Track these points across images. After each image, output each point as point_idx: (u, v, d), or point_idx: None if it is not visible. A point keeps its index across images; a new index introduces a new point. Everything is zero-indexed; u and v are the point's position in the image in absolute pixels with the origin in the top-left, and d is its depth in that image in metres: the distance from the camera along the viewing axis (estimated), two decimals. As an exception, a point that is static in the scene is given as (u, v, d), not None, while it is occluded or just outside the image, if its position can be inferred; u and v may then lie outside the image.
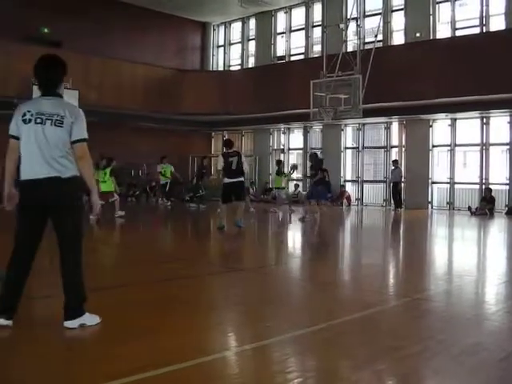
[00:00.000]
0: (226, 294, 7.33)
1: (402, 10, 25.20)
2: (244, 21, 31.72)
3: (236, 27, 32.65)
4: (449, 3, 23.90)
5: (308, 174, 20.52)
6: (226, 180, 14.66)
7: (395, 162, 24.33)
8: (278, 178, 22.43)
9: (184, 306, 6.40)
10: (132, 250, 11.45)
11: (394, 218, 21.88)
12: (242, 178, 14.78)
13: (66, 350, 4.81)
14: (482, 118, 23.31)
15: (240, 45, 32.29)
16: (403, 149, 25.59)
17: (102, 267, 9.05)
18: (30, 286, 5.50)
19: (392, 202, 24.61)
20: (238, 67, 32.12)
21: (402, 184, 24.47)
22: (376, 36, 23.02)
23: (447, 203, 24.30)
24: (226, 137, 32.73)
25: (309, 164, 20.28)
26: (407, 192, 24.92)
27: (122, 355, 4.57)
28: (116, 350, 4.73)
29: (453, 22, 23.74)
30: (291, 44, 29.88)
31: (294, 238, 15.40)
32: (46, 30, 25.85)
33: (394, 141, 26.30)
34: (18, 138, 5.33)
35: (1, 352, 4.74)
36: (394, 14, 25.60)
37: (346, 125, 27.35)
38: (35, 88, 21.96)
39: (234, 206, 15.10)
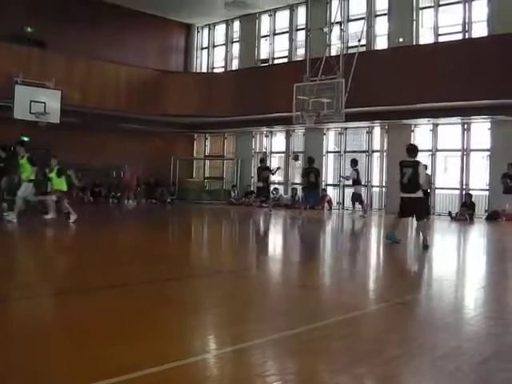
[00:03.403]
0: (207, 297, 7.31)
1: (385, 15, 25.30)
2: (228, 23, 31.71)
3: (220, 29, 32.63)
4: (432, 9, 24.03)
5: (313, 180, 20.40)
6: (402, 194, 12.91)
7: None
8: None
9: (167, 308, 6.40)
10: (116, 252, 11.41)
11: (373, 223, 21.92)
12: (419, 194, 12.76)
13: (48, 351, 4.78)
14: (463, 124, 23.45)
15: (224, 47, 32.28)
16: (385, 153, 25.66)
17: (85, 268, 8.99)
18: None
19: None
20: (222, 69, 32.11)
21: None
22: (359, 40, 23.10)
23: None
24: (209, 139, 32.78)
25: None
26: (387, 196, 24.99)
27: (104, 356, 4.56)
28: (99, 351, 4.71)
29: (436, 27, 23.86)
30: (275, 47, 29.91)
31: (277, 241, 15.41)
32: (30, 30, 25.70)
33: (376, 145, 26.37)
34: None
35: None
36: (377, 18, 25.71)
37: (328, 129, 27.43)
38: (18, 87, 22.23)
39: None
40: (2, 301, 6.61)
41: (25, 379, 4.09)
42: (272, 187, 28.94)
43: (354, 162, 22.71)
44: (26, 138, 25.29)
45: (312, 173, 20.17)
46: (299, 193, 27.83)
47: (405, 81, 21.48)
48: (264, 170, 22.75)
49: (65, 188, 17.70)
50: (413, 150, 12.79)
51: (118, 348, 4.82)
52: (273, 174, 23.34)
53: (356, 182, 22.69)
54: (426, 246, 12.03)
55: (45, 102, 23.13)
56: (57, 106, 23.46)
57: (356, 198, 22.86)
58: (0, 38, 23.21)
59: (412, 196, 12.42)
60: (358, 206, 22.71)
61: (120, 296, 6.96)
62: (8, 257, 10.16)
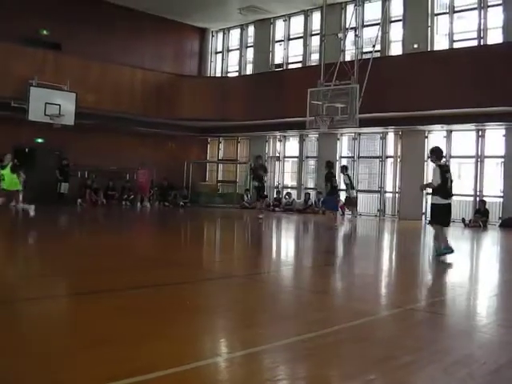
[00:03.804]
0: (219, 300, 7.32)
1: (400, 21, 25.26)
2: (243, 28, 31.77)
3: (235, 34, 32.70)
4: (447, 15, 23.99)
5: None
6: (447, 200, 11.89)
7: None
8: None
9: (178, 312, 6.41)
10: (128, 255, 11.43)
11: (387, 229, 21.88)
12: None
13: (58, 354, 4.80)
14: (477, 131, 23.36)
15: (238, 51, 32.32)
16: (398, 159, 25.61)
17: (94, 271, 9.01)
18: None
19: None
20: (236, 74, 32.16)
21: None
22: (374, 46, 23.13)
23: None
24: (222, 143, 32.81)
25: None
26: (401, 203, 24.96)
27: (114, 359, 4.56)
28: (108, 354, 4.72)
29: (451, 34, 23.81)
30: (289, 52, 29.94)
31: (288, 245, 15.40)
32: (45, 32, 25.83)
33: (390, 151, 26.32)
34: None
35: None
36: (392, 24, 25.68)
37: (341, 134, 27.40)
38: (33, 89, 22.34)
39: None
40: (21, 301, 6.66)
41: (43, 378, 4.11)
42: (285, 192, 29.05)
43: (345, 168, 22.50)
44: (40, 140, 25.53)
45: (334, 177, 19.88)
46: (312, 198, 27.84)
47: (419, 87, 21.43)
48: (259, 169, 22.35)
49: (18, 186, 17.60)
50: (442, 152, 12.39)
51: (131, 349, 4.84)
52: (266, 173, 23.13)
53: (349, 187, 22.59)
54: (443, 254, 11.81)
55: (60, 104, 23.27)
56: (71, 108, 23.60)
57: (349, 202, 22.86)
58: (15, 40, 23.36)
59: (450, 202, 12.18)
60: (347, 210, 22.75)
61: (134, 298, 6.97)
62: (28, 259, 10.22)
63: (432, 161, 12.16)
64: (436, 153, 11.93)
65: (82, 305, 6.62)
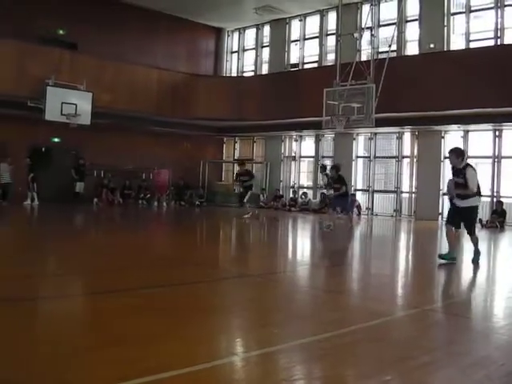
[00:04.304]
0: (236, 300, 7.32)
1: (416, 20, 25.18)
2: (258, 27, 31.77)
3: (250, 33, 32.70)
4: (463, 15, 23.88)
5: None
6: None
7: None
8: None
9: (193, 311, 6.42)
10: (144, 254, 11.46)
11: (403, 229, 21.81)
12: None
13: (71, 353, 4.81)
14: (494, 131, 23.23)
15: (254, 51, 32.32)
16: (415, 159, 25.52)
17: (109, 270, 9.03)
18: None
19: None
20: (252, 73, 32.16)
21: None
22: (390, 46, 23.04)
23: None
24: (238, 143, 32.86)
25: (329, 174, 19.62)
26: (418, 203, 24.87)
27: (130, 358, 4.56)
28: (124, 353, 4.72)
29: (467, 33, 23.69)
30: (305, 52, 29.90)
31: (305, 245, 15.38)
32: (61, 32, 25.95)
33: (406, 151, 26.22)
34: None
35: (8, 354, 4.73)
36: (408, 24, 25.59)
37: (357, 134, 27.33)
38: (49, 89, 22.47)
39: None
40: (35, 300, 6.69)
41: (55, 378, 4.12)
42: (300, 191, 29.03)
43: (323, 168, 22.27)
44: (56, 140, 25.67)
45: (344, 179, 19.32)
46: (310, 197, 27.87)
47: (435, 87, 21.34)
48: (243, 175, 22.02)
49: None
50: None
51: (145, 348, 4.84)
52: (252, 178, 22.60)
53: (328, 187, 22.32)
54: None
55: (76, 104, 23.38)
56: (88, 107, 23.71)
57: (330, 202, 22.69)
58: (32, 40, 23.48)
59: None
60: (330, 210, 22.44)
61: (150, 298, 6.97)
62: (44, 258, 10.25)
63: (459, 161, 10.89)
64: (463, 154, 11.18)
65: (96, 304, 6.63)
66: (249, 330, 5.89)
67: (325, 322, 6.13)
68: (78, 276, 8.59)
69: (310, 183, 29.68)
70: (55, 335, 5.27)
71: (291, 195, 29.64)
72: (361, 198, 27.44)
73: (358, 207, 26.63)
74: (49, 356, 4.61)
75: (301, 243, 15.79)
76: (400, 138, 26.35)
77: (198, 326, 5.73)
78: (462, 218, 10.88)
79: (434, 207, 24.32)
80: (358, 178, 27.75)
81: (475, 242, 11.07)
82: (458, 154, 10.91)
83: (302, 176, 30.62)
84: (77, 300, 7.04)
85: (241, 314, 6.51)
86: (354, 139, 27.57)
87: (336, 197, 18.70)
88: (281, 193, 29.56)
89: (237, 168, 24.31)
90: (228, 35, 33.38)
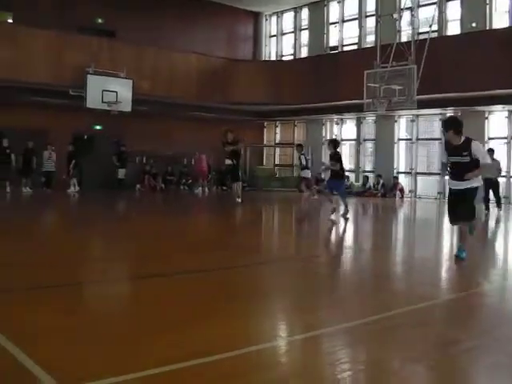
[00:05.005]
0: (277, 283, 7.30)
1: (457, -1, 24.78)
2: (296, 10, 31.56)
3: (288, 17, 32.50)
4: (507, -8, 23.42)
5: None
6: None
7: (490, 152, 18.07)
8: None
9: (237, 294, 6.43)
10: (184, 239, 11.51)
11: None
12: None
13: (118, 333, 4.85)
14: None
15: (292, 35, 32.13)
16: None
17: (153, 255, 9.09)
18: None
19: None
20: (291, 57, 31.98)
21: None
22: (431, 26, 22.75)
23: (504, 197, 23.70)
24: (279, 127, 32.81)
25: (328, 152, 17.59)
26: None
27: (173, 341, 4.60)
28: (168, 336, 4.77)
29: (510, 11, 23.22)
30: (344, 34, 29.63)
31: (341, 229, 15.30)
32: (99, 21, 26.14)
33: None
34: None
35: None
36: (449, 3, 25.15)
37: (399, 116, 27.07)
38: (90, 77, 22.68)
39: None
40: (81, 284, 6.77)
41: (108, 362, 4.16)
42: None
43: (301, 147, 21.95)
44: (98, 127, 25.92)
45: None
46: (370, 181, 27.63)
47: (478, 66, 20.96)
48: (229, 144, 19.89)
49: None
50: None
51: (190, 332, 4.87)
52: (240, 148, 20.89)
53: (304, 167, 21.74)
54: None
55: (116, 91, 23.55)
56: (128, 94, 23.89)
57: (305, 181, 22.31)
58: (71, 29, 23.74)
59: None
60: (305, 189, 22.01)
61: (191, 282, 7.01)
62: (87, 243, 10.38)
63: (458, 134, 8.68)
64: (461, 126, 8.76)
65: (140, 289, 6.71)
66: (293, 313, 5.88)
67: (369, 306, 6.10)
68: (126, 260, 8.70)
69: (352, 166, 29.49)
70: (101, 320, 5.32)
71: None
72: (404, 180, 27.22)
73: (401, 190, 26.44)
74: (99, 341, 4.67)
75: (343, 226, 15.69)
76: (442, 119, 26.02)
77: (243, 310, 5.74)
78: (461, 202, 8.86)
79: (479, 189, 23.90)
80: (400, 160, 27.52)
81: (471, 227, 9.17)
82: (458, 128, 8.68)
83: (343, 159, 30.32)
84: (127, 283, 7.15)
85: (285, 298, 6.50)
86: (396, 121, 27.31)
87: (331, 177, 16.83)
88: (323, 176, 29.43)
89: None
90: (266, 19, 33.23)
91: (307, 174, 21.37)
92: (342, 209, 15.84)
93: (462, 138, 8.62)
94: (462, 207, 8.85)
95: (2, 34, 22.07)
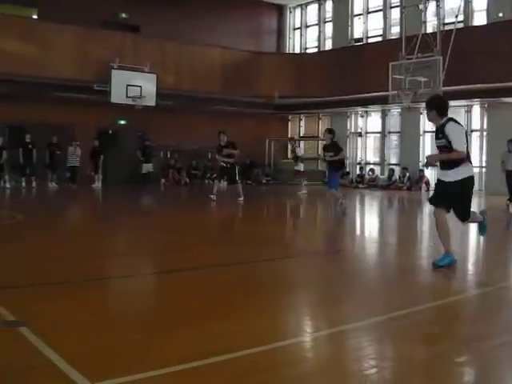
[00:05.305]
0: (303, 278, 7.25)
1: (484, -11, 24.48)
2: (320, 3, 31.37)
3: (312, 9, 32.32)
4: (534, -20, 23.08)
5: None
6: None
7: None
8: None
9: (262, 289, 6.40)
10: (210, 232, 11.51)
11: (473, 204, 21.32)
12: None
13: (141, 329, 4.82)
14: None
15: (316, 27, 31.96)
16: (484, 133, 24.93)
17: (175, 250, 9.08)
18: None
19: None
20: (315, 50, 31.83)
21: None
22: (457, 16, 22.48)
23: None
24: (303, 120, 32.71)
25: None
26: (488, 177, 24.30)
27: (196, 338, 4.57)
28: (191, 332, 4.74)
29: (538, 0, 22.92)
30: (369, 26, 29.41)
31: (371, 222, 15.20)
32: (123, 15, 26.18)
33: (475, 125, 25.63)
34: None
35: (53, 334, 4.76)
36: (476, -7, 24.91)
37: (425, 108, 26.76)
38: (114, 72, 22.74)
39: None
40: (111, 278, 6.77)
41: (136, 356, 4.13)
42: (368, 168, 28.72)
43: (293, 142, 22.08)
44: (123, 122, 26.01)
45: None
46: (396, 173, 27.44)
47: (505, 57, 20.69)
48: (224, 148, 19.02)
49: None
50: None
51: (214, 326, 4.85)
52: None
53: (299, 160, 23.08)
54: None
55: (141, 86, 23.60)
56: (153, 89, 23.93)
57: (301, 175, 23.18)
58: (95, 24, 23.81)
59: None
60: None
61: (216, 276, 6.99)
62: (110, 238, 10.42)
63: (441, 116, 7.82)
64: (444, 104, 8.00)
65: (163, 284, 6.75)
66: (317, 308, 5.85)
67: (397, 300, 6.03)
68: (150, 255, 8.71)
69: (377, 159, 29.32)
70: (128, 314, 5.32)
71: (358, 172, 29.37)
72: (430, 173, 26.98)
73: (427, 183, 26.21)
74: (135, 332, 4.68)
75: (368, 220, 15.60)
76: (469, 111, 25.75)
77: (272, 305, 5.72)
78: (450, 198, 7.69)
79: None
80: (426, 152, 27.27)
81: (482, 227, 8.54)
82: (441, 110, 7.86)
83: (368, 152, 30.25)
84: (150, 278, 7.17)
85: (308, 292, 6.46)
86: (421, 114, 27.06)
87: (331, 168, 15.61)
88: (347, 169, 29.31)
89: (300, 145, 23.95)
90: (290, 12, 33.10)
91: (302, 167, 21.79)
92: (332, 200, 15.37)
93: (444, 120, 7.64)
94: (450, 201, 7.65)
95: (27, 30, 22.22)
